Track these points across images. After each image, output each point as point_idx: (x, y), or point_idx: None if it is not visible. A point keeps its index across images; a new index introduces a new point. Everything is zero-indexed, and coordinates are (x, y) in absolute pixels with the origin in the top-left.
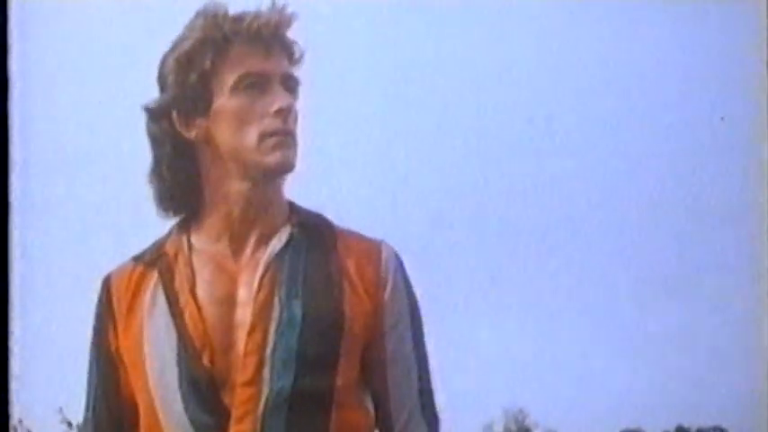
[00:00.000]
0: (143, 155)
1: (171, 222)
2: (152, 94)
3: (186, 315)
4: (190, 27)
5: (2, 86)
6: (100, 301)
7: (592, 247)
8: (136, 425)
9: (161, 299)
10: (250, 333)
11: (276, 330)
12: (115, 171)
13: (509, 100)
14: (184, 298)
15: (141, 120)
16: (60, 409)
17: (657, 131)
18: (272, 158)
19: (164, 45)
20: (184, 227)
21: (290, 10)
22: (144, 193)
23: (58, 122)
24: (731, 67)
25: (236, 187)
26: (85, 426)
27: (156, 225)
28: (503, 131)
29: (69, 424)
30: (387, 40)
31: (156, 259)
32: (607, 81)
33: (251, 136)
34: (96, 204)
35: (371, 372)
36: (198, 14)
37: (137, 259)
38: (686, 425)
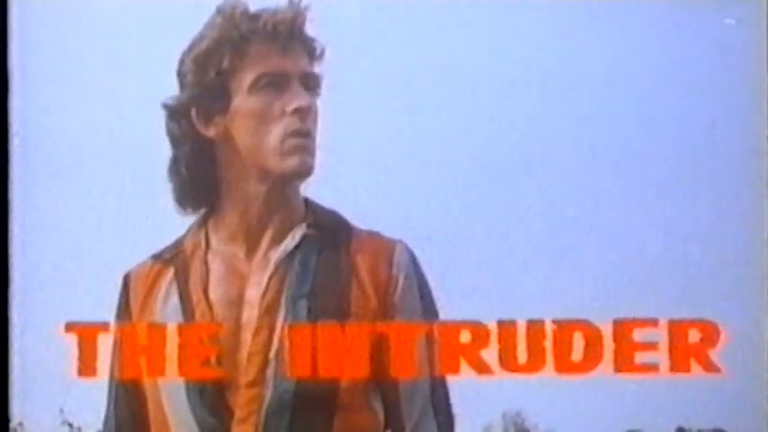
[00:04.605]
0: (156, 153)
1: (187, 221)
2: (163, 91)
3: (197, 314)
4: (208, 25)
5: (2, 86)
6: (119, 298)
7: (596, 250)
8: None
9: (174, 296)
10: (255, 333)
11: (281, 331)
12: (127, 170)
13: (534, 101)
14: (197, 297)
15: (154, 118)
16: (61, 411)
17: (657, 132)
18: (290, 163)
19: (169, 42)
20: (203, 224)
21: (304, 3)
22: (160, 190)
23: (61, 122)
24: (731, 68)
25: (254, 188)
26: (106, 423)
27: (173, 224)
28: (528, 132)
29: (70, 425)
30: (408, 37)
31: (173, 256)
32: (606, 81)
33: (269, 136)
34: (96, 204)
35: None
36: (217, 11)
37: (156, 257)
38: (687, 427)
